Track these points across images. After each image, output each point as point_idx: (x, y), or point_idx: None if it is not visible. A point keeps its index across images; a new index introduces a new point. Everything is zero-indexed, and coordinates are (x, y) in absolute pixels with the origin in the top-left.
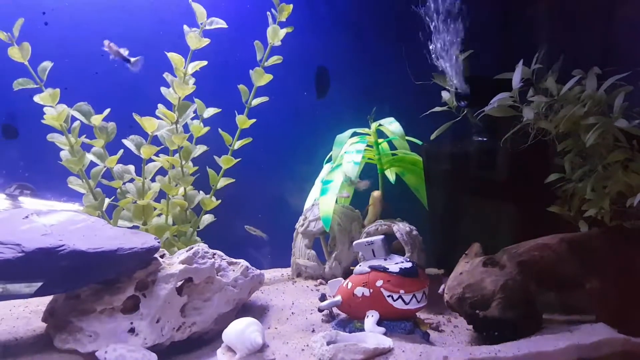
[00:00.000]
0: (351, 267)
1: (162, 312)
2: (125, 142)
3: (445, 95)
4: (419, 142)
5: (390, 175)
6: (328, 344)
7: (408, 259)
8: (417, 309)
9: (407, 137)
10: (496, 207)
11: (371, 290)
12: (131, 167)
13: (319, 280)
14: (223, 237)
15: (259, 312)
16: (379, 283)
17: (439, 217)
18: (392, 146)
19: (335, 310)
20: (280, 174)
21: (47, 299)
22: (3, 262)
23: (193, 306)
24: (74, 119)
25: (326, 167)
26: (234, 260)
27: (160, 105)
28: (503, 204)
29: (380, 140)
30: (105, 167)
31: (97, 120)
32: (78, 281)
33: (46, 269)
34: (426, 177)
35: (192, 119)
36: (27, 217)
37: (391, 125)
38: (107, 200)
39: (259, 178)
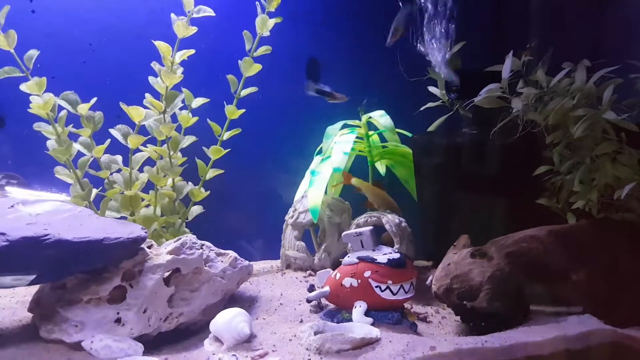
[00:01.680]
0: (340, 259)
1: (149, 303)
2: (112, 131)
3: (433, 89)
4: (409, 134)
5: (381, 167)
6: (315, 333)
7: (396, 250)
8: (405, 300)
9: (397, 130)
10: (485, 199)
11: (359, 281)
12: (118, 158)
13: (308, 272)
14: (212, 228)
15: (247, 302)
16: (367, 274)
17: (428, 209)
18: (383, 138)
19: (323, 301)
20: (270, 165)
21: (34, 289)
22: None
23: (180, 297)
24: (60, 108)
25: (316, 159)
26: (222, 251)
27: (147, 95)
28: (492, 196)
29: (370, 133)
30: (92, 157)
31: (83, 109)
32: (64, 271)
33: (31, 258)
34: (416, 169)
35: (181, 109)
36: (12, 206)
37: (381, 119)
38: (94, 191)
39: (249, 169)
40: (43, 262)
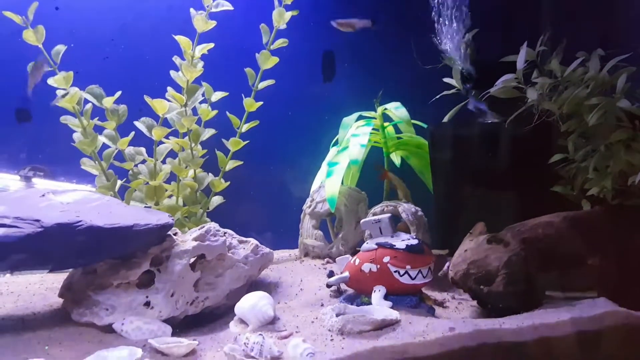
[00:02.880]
0: (357, 248)
1: (176, 287)
2: (137, 123)
3: (448, 79)
4: (424, 125)
5: (396, 158)
6: (337, 316)
7: (414, 237)
8: (423, 284)
9: (412, 121)
10: (500, 188)
11: (378, 266)
12: (142, 149)
13: (325, 260)
14: (231, 218)
15: (268, 288)
16: (386, 259)
17: (444, 199)
18: (398, 129)
19: (342, 286)
20: (287, 157)
21: (62, 276)
22: (23, 237)
23: (206, 282)
24: (85, 102)
25: (332, 150)
26: (244, 238)
27: (169, 88)
28: (507, 185)
29: (385, 124)
30: (117, 149)
31: (108, 102)
32: (95, 256)
33: (64, 244)
34: (431, 159)
35: (200, 102)
36: (43, 195)
37: (397, 111)
38: (119, 182)
39: (267, 161)
40: (75, 248)
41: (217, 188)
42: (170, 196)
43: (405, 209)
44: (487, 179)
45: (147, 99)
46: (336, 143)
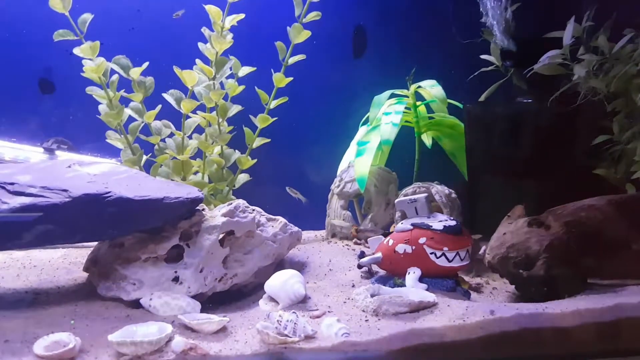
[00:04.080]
0: (384, 232)
1: (205, 262)
2: (166, 95)
3: (487, 56)
4: (459, 105)
5: (427, 139)
6: (371, 296)
7: (452, 218)
8: (460, 267)
9: (448, 100)
10: (539, 170)
11: (414, 247)
12: (169, 123)
13: (353, 241)
14: (257, 197)
15: (296, 268)
16: (422, 240)
17: (479, 181)
18: (429, 109)
19: (374, 267)
20: (314, 135)
21: (86, 251)
22: (50, 207)
23: (234, 258)
24: (111, 74)
25: (362, 129)
26: (272, 216)
27: (198, 60)
28: (546, 167)
29: (418, 103)
30: (143, 122)
31: (135, 73)
32: (124, 228)
33: (93, 215)
34: (467, 140)
35: (227, 77)
36: (69, 166)
37: (433, 89)
38: (144, 157)
39: (293, 139)
40: (104, 219)
41: (244, 165)
42: (195, 172)
43: (439, 190)
44: (526, 160)
45: (177, 70)
46: (366, 122)
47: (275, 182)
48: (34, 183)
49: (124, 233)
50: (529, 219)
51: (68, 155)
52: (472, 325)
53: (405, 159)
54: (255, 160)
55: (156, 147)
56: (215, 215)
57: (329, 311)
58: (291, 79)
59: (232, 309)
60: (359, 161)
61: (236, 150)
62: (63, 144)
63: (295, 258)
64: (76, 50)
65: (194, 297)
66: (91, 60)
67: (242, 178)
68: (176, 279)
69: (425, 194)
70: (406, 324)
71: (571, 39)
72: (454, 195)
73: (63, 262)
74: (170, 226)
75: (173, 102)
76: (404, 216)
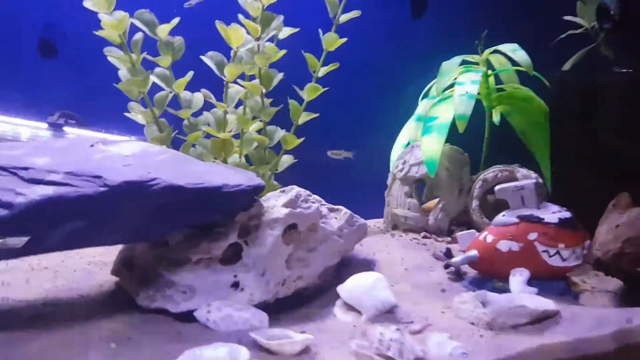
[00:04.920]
0: (453, 222)
1: (267, 264)
2: (204, 58)
3: (573, 18)
4: (542, 78)
5: (495, 115)
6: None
7: (565, 209)
8: (574, 267)
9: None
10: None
11: (521, 244)
12: (209, 93)
13: (422, 233)
14: (302, 182)
15: (363, 266)
16: (533, 236)
17: (565, 165)
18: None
19: (463, 267)
20: (366, 109)
21: (104, 247)
22: (80, 198)
23: (297, 257)
24: (132, 32)
25: (424, 103)
26: (334, 206)
27: (240, 16)
28: None
29: (489, 72)
30: (171, 92)
31: (163, 32)
32: (174, 225)
33: (135, 208)
34: (555, 114)
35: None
36: (92, 145)
37: (515, 54)
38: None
39: (342, 114)
40: (149, 214)
41: (290, 145)
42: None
43: (525, 175)
44: (627, 141)
45: (220, 25)
46: (426, 95)
47: (322, 165)
48: (56, 168)
49: (175, 230)
50: None
51: (77, 132)
52: (608, 335)
53: (471, 136)
54: (302, 139)
55: (186, 122)
56: (273, 205)
57: (428, 324)
58: (345, 39)
59: (300, 319)
60: (427, 140)
61: (278, 128)
62: (71, 118)
63: (360, 255)
64: (87, 3)
65: (257, 306)
66: (108, 15)
67: (286, 160)
68: (236, 285)
69: (534, 181)
70: (532, 339)
71: None
72: (540, 180)
73: (80, 262)
74: (225, 220)
75: (214, 67)
76: (483, 204)
